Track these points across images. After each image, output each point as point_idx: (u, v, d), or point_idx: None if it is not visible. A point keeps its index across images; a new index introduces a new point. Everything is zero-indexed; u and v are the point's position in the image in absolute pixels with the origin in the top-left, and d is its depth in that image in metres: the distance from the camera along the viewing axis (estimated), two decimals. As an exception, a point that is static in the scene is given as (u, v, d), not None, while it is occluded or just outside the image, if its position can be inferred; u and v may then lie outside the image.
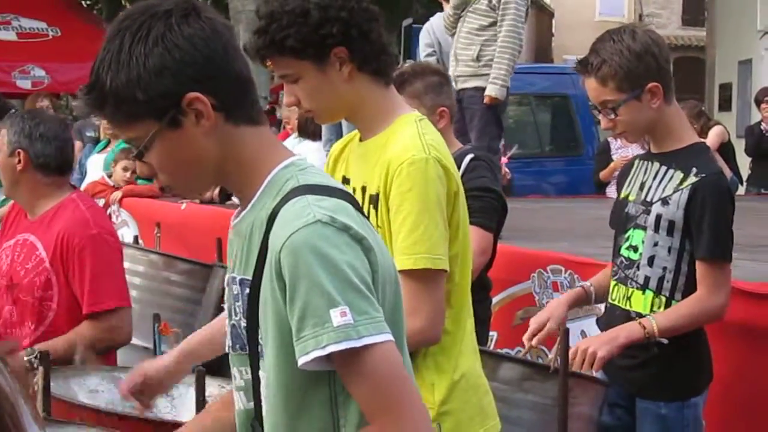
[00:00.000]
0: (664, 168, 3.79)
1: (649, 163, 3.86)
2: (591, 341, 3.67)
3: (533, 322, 3.95)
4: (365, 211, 2.84)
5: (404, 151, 2.91)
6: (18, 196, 4.68)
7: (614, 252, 3.93)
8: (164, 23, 2.11)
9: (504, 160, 10.18)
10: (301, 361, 2.03)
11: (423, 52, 8.34)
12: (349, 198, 2.18)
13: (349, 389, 2.07)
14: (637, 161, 3.96)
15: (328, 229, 2.04)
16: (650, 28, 3.97)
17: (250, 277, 2.18)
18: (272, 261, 2.07)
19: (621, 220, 3.90)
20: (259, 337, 2.18)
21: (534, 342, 3.91)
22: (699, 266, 3.68)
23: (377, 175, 2.96)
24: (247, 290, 2.19)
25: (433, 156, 2.91)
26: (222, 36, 2.16)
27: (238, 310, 2.25)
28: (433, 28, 8.36)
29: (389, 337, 2.04)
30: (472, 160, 4.59)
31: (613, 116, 3.74)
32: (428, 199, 2.89)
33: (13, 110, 7.44)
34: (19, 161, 4.52)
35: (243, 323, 2.23)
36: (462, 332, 3.06)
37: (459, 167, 4.45)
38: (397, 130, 2.98)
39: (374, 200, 2.95)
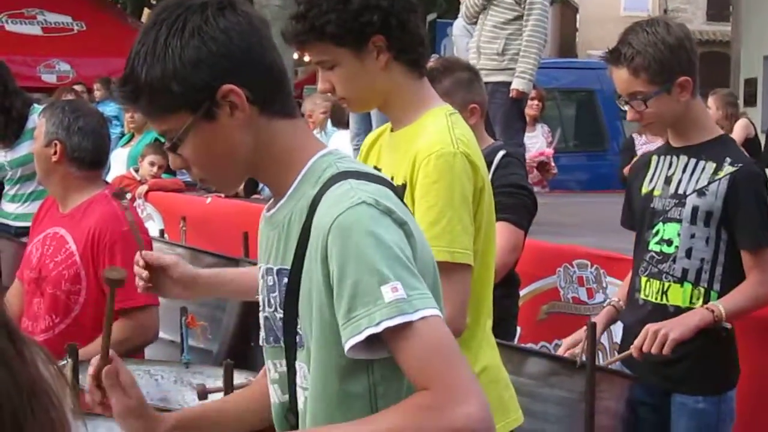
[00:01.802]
0: (693, 160, 3.79)
1: (673, 157, 3.86)
2: (662, 324, 3.65)
3: (567, 342, 3.98)
4: None
5: (433, 144, 2.91)
6: (50, 185, 4.71)
7: (640, 248, 3.92)
8: (201, 16, 2.12)
9: (550, 151, 10.15)
10: (353, 341, 2.00)
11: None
12: (389, 185, 2.19)
13: (403, 363, 2.03)
14: (654, 157, 3.96)
15: (373, 210, 2.04)
16: (681, 23, 3.97)
17: (288, 267, 2.17)
18: (318, 246, 2.06)
19: (646, 216, 3.89)
20: (298, 327, 2.18)
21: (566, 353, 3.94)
22: (747, 255, 3.72)
23: (404, 166, 2.97)
24: (285, 280, 2.19)
25: (461, 151, 2.90)
26: (258, 30, 2.18)
27: (273, 301, 2.25)
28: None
29: (439, 311, 2.04)
30: (504, 156, 4.59)
31: (642, 108, 3.74)
32: (453, 192, 2.89)
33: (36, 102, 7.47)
34: (55, 152, 4.54)
35: (279, 314, 2.22)
36: (481, 327, 3.07)
37: (491, 163, 4.46)
38: (427, 122, 2.99)
39: (401, 191, 2.95)
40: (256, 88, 2.15)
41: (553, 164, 10.26)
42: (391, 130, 3.12)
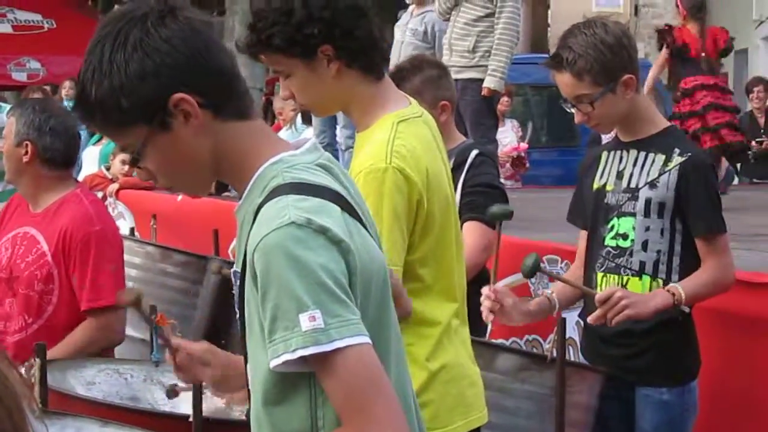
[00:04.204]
0: (643, 154, 3.83)
1: (623, 151, 3.89)
2: (627, 294, 3.66)
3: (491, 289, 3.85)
4: None
5: (365, 160, 2.94)
6: (20, 185, 4.67)
7: (595, 244, 3.93)
8: (141, 28, 2.11)
9: (524, 145, 10.18)
10: (272, 363, 2.02)
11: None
12: (337, 198, 2.15)
13: (324, 390, 2.07)
14: (604, 152, 3.98)
15: (302, 231, 2.02)
16: (616, 20, 4.01)
17: (240, 270, 2.18)
18: (249, 261, 2.07)
19: (599, 212, 3.91)
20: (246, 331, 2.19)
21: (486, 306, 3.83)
22: (701, 243, 3.74)
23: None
24: (238, 282, 2.20)
25: (394, 165, 2.90)
26: (201, 34, 2.16)
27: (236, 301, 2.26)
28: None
29: (364, 339, 2.03)
30: (477, 155, 4.60)
31: (590, 110, 3.76)
32: (381, 209, 2.89)
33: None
34: (26, 153, 4.51)
35: (239, 314, 2.24)
36: (441, 328, 3.07)
37: (464, 162, 4.49)
38: (374, 131, 3.00)
39: None
40: (206, 93, 2.14)
41: (526, 158, 10.29)
42: (357, 131, 3.14)
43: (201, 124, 2.14)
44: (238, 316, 2.23)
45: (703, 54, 8.68)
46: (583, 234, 4.05)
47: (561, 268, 5.32)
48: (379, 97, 3.04)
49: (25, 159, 4.52)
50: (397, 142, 2.94)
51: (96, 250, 4.44)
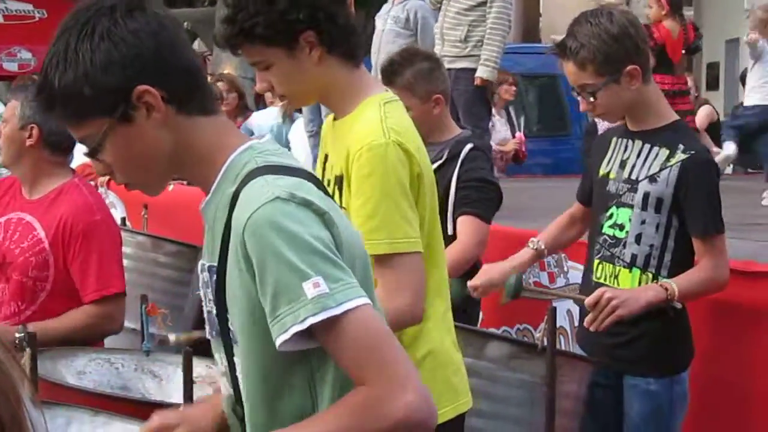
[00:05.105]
0: (647, 146, 3.81)
1: (629, 141, 3.88)
2: (617, 293, 3.68)
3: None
4: (331, 191, 2.88)
5: (364, 137, 2.92)
6: (18, 169, 4.63)
7: (595, 230, 3.94)
8: (109, 19, 2.12)
9: (519, 135, 10.16)
10: (281, 339, 2.02)
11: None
12: (310, 176, 2.19)
13: (336, 357, 2.06)
14: (614, 138, 3.97)
15: (288, 205, 2.04)
16: (625, 9, 4.01)
17: (216, 264, 2.18)
18: (237, 243, 2.07)
19: (601, 198, 3.91)
20: (229, 323, 2.19)
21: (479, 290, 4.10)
22: (698, 242, 3.74)
23: (342, 157, 2.98)
24: (215, 277, 2.19)
25: (393, 140, 2.91)
26: (168, 30, 2.18)
27: (210, 297, 2.26)
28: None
29: (367, 299, 2.04)
30: (471, 150, 4.61)
31: (592, 99, 3.75)
32: (388, 183, 2.90)
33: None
34: (30, 136, 4.49)
35: (214, 310, 2.23)
36: (428, 311, 3.05)
37: (457, 155, 4.50)
38: (361, 113, 3.00)
39: (339, 181, 2.99)
40: (170, 88, 2.15)
41: (523, 149, 10.29)
42: (334, 119, 3.13)
43: (163, 118, 2.15)
44: (216, 312, 2.22)
45: (684, 51, 8.67)
46: (577, 205, 4.15)
47: (552, 257, 5.32)
48: (358, 83, 3.04)
49: (29, 142, 4.50)
50: (390, 120, 2.95)
51: (99, 240, 4.44)
